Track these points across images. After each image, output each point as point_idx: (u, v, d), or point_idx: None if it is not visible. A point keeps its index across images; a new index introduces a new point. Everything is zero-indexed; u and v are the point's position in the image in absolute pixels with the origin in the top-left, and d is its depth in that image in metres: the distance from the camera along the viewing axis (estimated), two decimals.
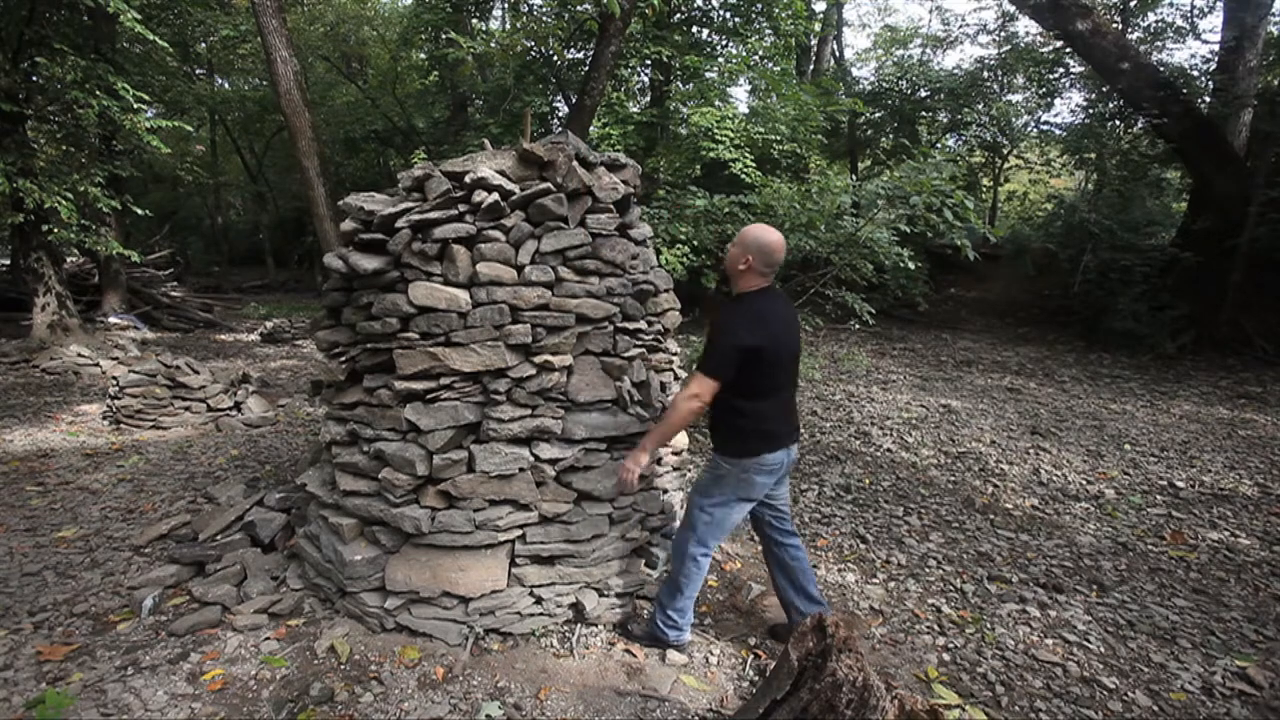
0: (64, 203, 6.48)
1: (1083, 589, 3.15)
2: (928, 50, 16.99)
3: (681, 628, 2.53)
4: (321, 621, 2.64)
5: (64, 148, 8.03)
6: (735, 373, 2.26)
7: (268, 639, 2.53)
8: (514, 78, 10.34)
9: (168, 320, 10.59)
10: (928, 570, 3.31)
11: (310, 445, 4.66)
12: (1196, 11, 12.05)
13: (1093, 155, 11.91)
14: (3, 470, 4.31)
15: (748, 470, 2.37)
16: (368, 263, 2.53)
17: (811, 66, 15.78)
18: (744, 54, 10.40)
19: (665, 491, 3.08)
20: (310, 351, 8.98)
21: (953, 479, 4.58)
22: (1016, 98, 14.33)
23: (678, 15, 10.20)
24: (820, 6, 13.73)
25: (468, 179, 2.55)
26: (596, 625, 2.68)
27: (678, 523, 3.21)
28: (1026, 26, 14.19)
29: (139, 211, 7.82)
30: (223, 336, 10.22)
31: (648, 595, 2.89)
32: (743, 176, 7.55)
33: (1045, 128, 14.61)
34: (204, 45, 15.36)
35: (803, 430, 5.56)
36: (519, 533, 2.61)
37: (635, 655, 2.52)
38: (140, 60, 9.27)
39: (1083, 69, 12.00)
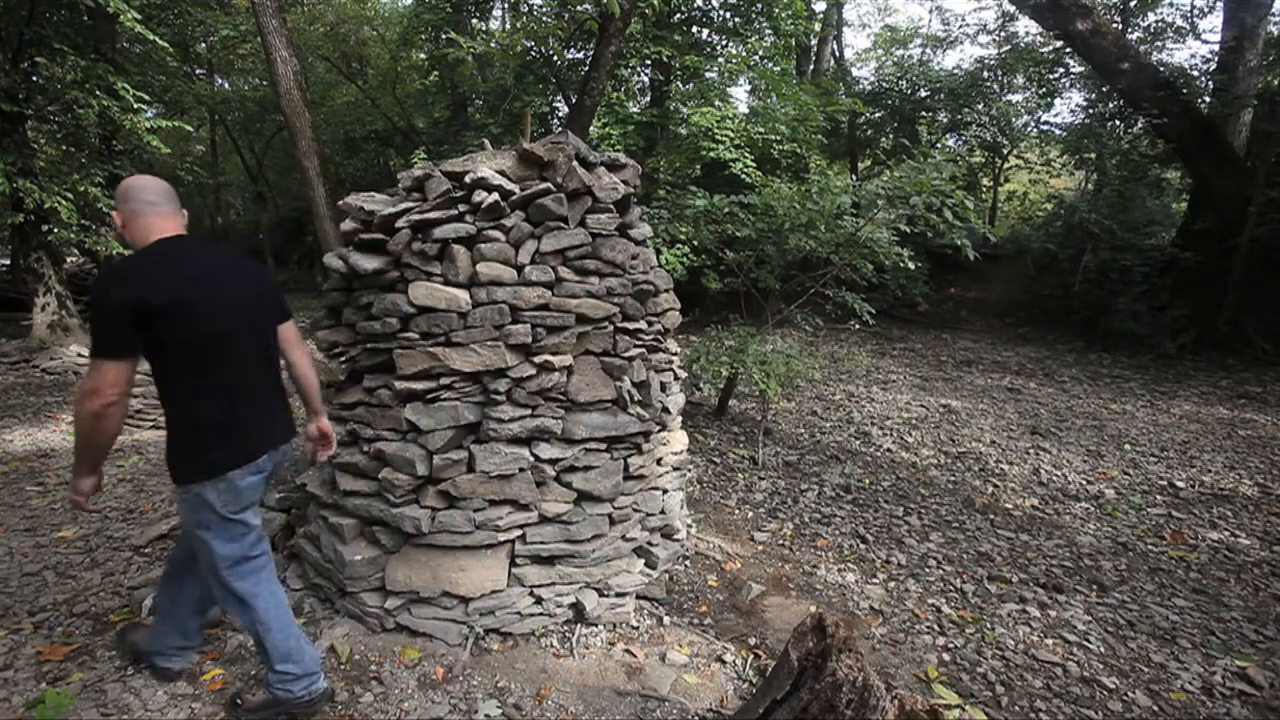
0: (64, 203, 6.48)
1: (1083, 589, 3.15)
2: (928, 50, 16.98)
3: (300, 676, 2.05)
4: (321, 621, 2.64)
5: (64, 148, 8.03)
6: (136, 345, 1.75)
7: None
8: (514, 78, 10.33)
9: None
10: (928, 570, 3.31)
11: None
12: (1196, 11, 12.04)
13: (1093, 155, 11.89)
14: (3, 470, 4.31)
15: (219, 489, 1.91)
16: (368, 263, 2.54)
17: (811, 66, 15.77)
18: (744, 54, 10.40)
19: (665, 491, 3.09)
20: (310, 351, 8.98)
21: (953, 479, 4.58)
22: (1016, 98, 14.31)
23: (678, 15, 10.19)
24: (820, 6, 13.72)
25: (468, 179, 2.55)
26: (596, 625, 2.68)
27: (678, 522, 3.21)
28: (1026, 26, 14.20)
29: None
30: None
31: (648, 595, 2.90)
32: (743, 176, 7.55)
33: (1045, 128, 14.59)
34: (204, 45, 15.34)
35: (802, 433, 5.56)
36: (519, 533, 2.61)
37: (635, 655, 2.52)
38: (140, 60, 9.26)
39: (1083, 69, 11.99)
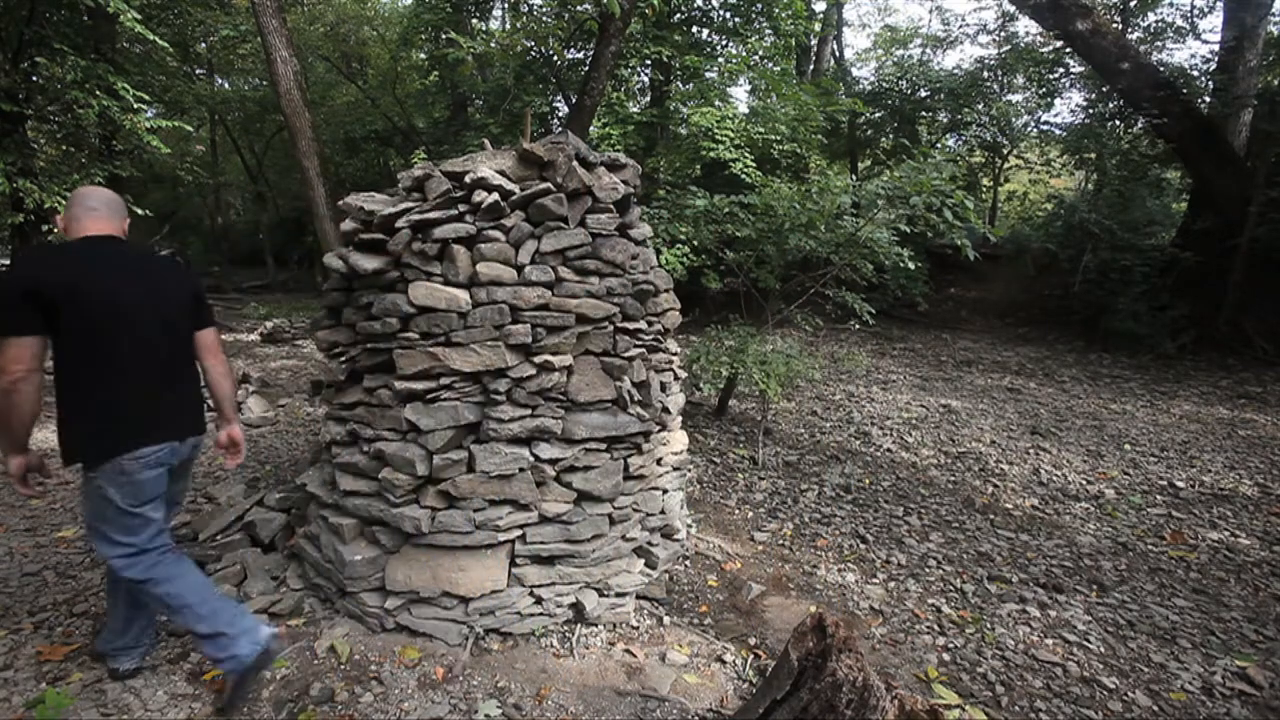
0: (64, 203, 6.48)
1: (1083, 589, 3.15)
2: (928, 50, 16.98)
3: (237, 636, 2.05)
4: (321, 621, 2.64)
5: (64, 148, 8.04)
6: (35, 324, 1.83)
7: None
8: (514, 78, 10.33)
9: None
10: (928, 570, 3.31)
11: (310, 445, 4.66)
12: (1196, 11, 12.04)
13: (1093, 155, 11.89)
14: (3, 470, 4.31)
15: (119, 483, 1.98)
16: (368, 263, 2.54)
17: (811, 66, 15.76)
18: (744, 54, 10.40)
19: (665, 491, 3.09)
20: (310, 351, 8.97)
21: (953, 479, 4.58)
22: (1016, 98, 14.31)
23: (678, 15, 10.19)
24: (820, 6, 13.72)
25: (468, 179, 2.55)
26: (596, 625, 2.68)
27: (678, 522, 3.22)
28: (1026, 26, 14.20)
29: (139, 211, 7.78)
30: (223, 336, 10.20)
31: (648, 595, 2.90)
32: (743, 176, 7.55)
33: (1045, 128, 14.59)
34: (204, 45, 15.34)
35: (802, 433, 5.56)
36: (519, 533, 2.61)
37: (635, 655, 2.53)
38: (140, 60, 9.27)
39: (1083, 69, 11.99)
